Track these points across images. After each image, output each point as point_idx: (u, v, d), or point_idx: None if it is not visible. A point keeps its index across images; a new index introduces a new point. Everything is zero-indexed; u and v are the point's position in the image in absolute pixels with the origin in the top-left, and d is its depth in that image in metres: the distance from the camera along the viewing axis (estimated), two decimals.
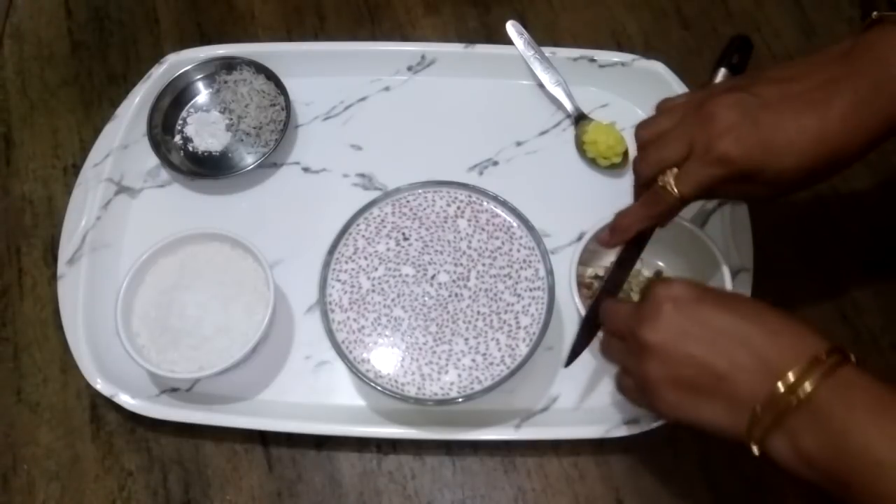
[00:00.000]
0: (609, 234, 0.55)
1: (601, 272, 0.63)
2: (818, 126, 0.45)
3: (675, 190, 0.49)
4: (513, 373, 0.56)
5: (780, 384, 0.39)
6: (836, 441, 0.38)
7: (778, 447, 0.40)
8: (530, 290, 0.58)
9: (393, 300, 0.58)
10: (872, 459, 0.37)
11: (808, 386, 0.39)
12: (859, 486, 0.37)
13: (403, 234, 0.60)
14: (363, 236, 0.60)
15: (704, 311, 0.44)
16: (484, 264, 0.59)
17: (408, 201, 0.61)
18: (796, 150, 0.46)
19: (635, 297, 0.62)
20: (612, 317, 0.50)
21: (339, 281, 0.59)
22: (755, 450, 0.41)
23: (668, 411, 0.44)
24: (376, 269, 0.59)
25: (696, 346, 0.43)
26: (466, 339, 0.57)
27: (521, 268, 0.58)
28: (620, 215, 0.54)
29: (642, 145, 0.52)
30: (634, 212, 0.53)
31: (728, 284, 0.57)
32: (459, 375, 0.56)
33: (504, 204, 0.60)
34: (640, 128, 0.53)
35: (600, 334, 0.54)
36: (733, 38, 0.57)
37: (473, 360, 0.56)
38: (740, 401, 0.41)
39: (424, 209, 0.61)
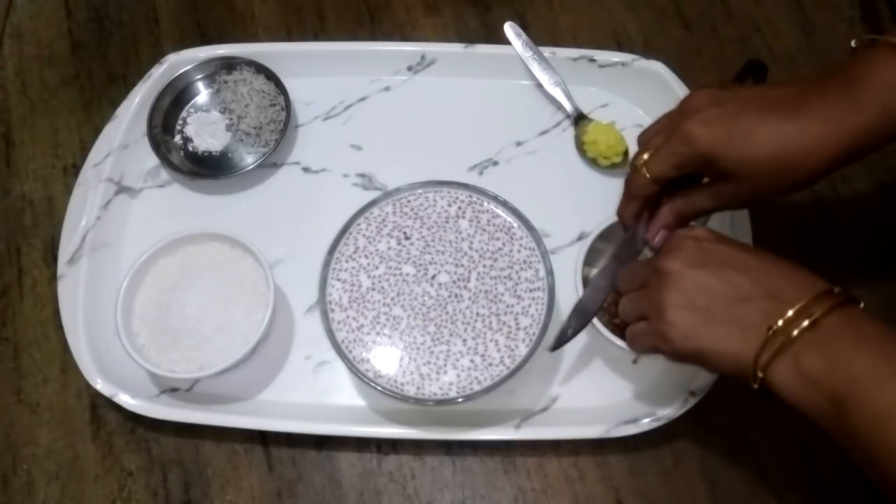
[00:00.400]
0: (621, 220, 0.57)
1: None
2: (780, 125, 0.47)
3: (645, 169, 0.51)
4: (512, 373, 0.56)
5: (790, 311, 0.42)
6: (839, 362, 0.41)
7: (782, 372, 0.42)
8: (530, 290, 0.58)
9: (392, 299, 0.58)
10: (873, 380, 0.39)
11: (816, 312, 0.42)
12: (856, 404, 0.39)
13: (405, 233, 0.60)
14: (364, 235, 0.60)
15: (723, 248, 0.48)
16: (485, 265, 0.59)
17: (409, 201, 0.61)
18: (757, 142, 0.47)
19: None
20: (631, 272, 0.52)
21: (338, 280, 0.59)
22: (758, 377, 0.43)
23: (681, 340, 0.46)
24: (377, 268, 0.59)
25: (713, 274, 0.46)
26: (465, 341, 0.57)
27: (522, 269, 0.58)
28: (619, 211, 0.57)
29: (639, 144, 0.54)
30: (622, 202, 0.56)
31: None
32: (458, 376, 0.56)
33: (504, 204, 0.60)
34: (642, 133, 0.55)
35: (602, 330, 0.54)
36: (749, 62, 0.58)
37: (472, 361, 0.56)
38: (752, 327, 0.43)
39: (426, 209, 0.61)
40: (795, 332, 0.42)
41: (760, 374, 0.43)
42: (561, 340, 0.56)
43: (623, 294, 0.53)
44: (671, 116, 0.52)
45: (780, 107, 0.47)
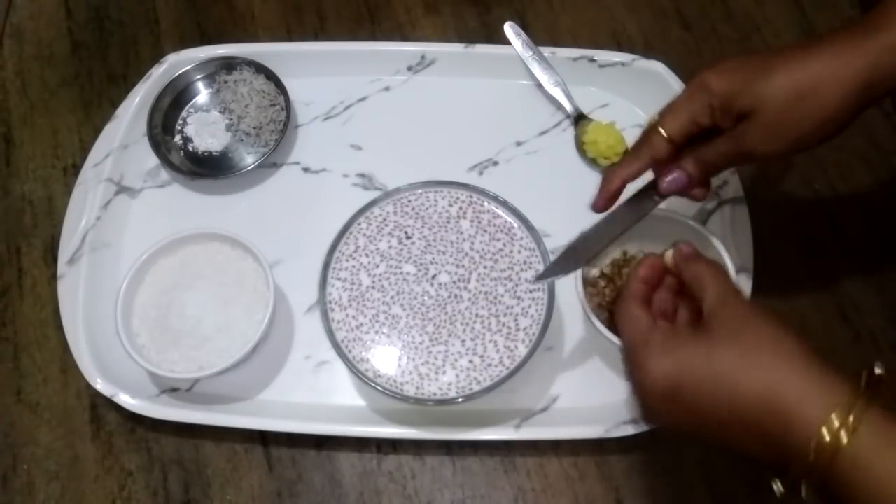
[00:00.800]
0: (598, 193, 0.54)
1: (607, 270, 0.63)
2: (793, 57, 0.47)
3: (660, 127, 0.50)
4: (512, 373, 0.56)
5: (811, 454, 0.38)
6: (877, 484, 0.37)
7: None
8: (530, 291, 0.58)
9: (392, 297, 0.58)
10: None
11: (842, 439, 0.37)
12: None
13: (406, 232, 0.60)
14: (364, 234, 0.60)
15: (685, 405, 0.42)
16: (485, 266, 0.59)
17: (409, 201, 0.61)
18: (771, 72, 0.47)
19: (606, 267, 0.63)
20: (628, 332, 0.47)
21: (338, 279, 0.59)
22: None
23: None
24: (377, 266, 0.59)
25: (695, 430, 0.43)
26: (463, 342, 0.57)
27: (522, 269, 0.58)
28: (609, 168, 0.54)
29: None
30: (622, 161, 0.53)
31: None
32: (457, 376, 0.56)
33: (504, 204, 0.60)
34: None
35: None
36: None
37: (471, 362, 0.56)
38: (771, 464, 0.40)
39: (427, 209, 0.61)
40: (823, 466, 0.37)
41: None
42: (546, 275, 0.55)
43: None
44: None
45: (794, 48, 0.48)
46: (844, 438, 0.37)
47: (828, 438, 0.37)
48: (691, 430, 0.43)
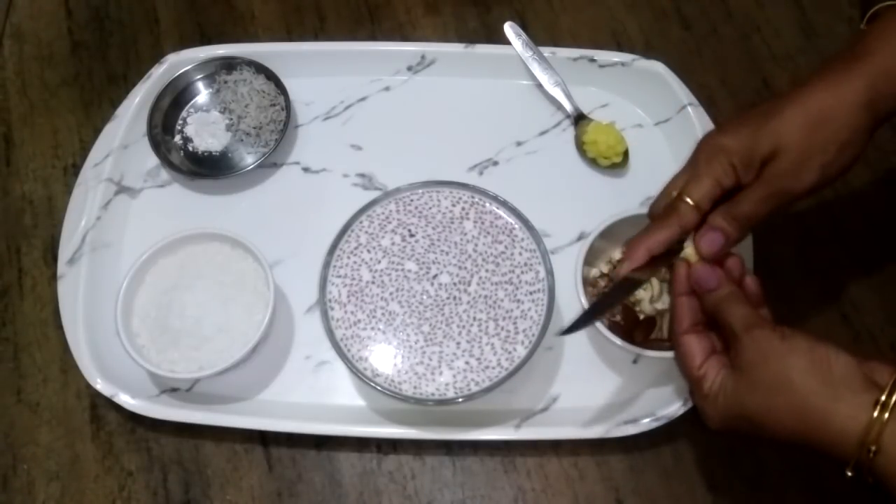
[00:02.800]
0: (623, 263, 0.52)
1: (606, 270, 0.63)
2: (797, 95, 0.49)
3: (686, 196, 0.50)
4: (510, 374, 0.56)
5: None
6: None
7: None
8: (530, 293, 0.58)
9: (391, 294, 0.58)
10: None
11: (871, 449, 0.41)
12: None
13: (409, 230, 0.60)
14: (366, 232, 0.60)
15: (744, 430, 0.46)
16: (487, 270, 0.58)
17: (412, 200, 0.61)
18: (783, 113, 0.48)
19: (606, 266, 0.63)
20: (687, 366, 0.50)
21: (339, 277, 0.59)
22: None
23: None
24: (379, 262, 0.59)
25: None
26: (458, 343, 0.57)
27: (523, 272, 0.58)
28: (631, 239, 0.52)
29: (655, 206, 0.54)
30: (646, 231, 0.51)
31: None
32: (455, 377, 0.56)
33: (504, 204, 0.60)
34: (660, 193, 0.54)
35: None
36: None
37: (468, 363, 0.56)
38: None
39: (430, 208, 0.61)
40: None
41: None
42: (574, 329, 0.53)
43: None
44: (689, 160, 0.52)
45: (790, 90, 0.49)
46: (873, 448, 0.41)
47: (860, 454, 0.41)
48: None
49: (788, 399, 0.43)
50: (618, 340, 0.56)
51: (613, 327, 0.58)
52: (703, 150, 0.50)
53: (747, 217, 0.49)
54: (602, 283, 0.62)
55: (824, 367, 0.43)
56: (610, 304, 0.55)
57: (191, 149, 0.72)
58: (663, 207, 0.51)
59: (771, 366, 0.44)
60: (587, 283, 0.61)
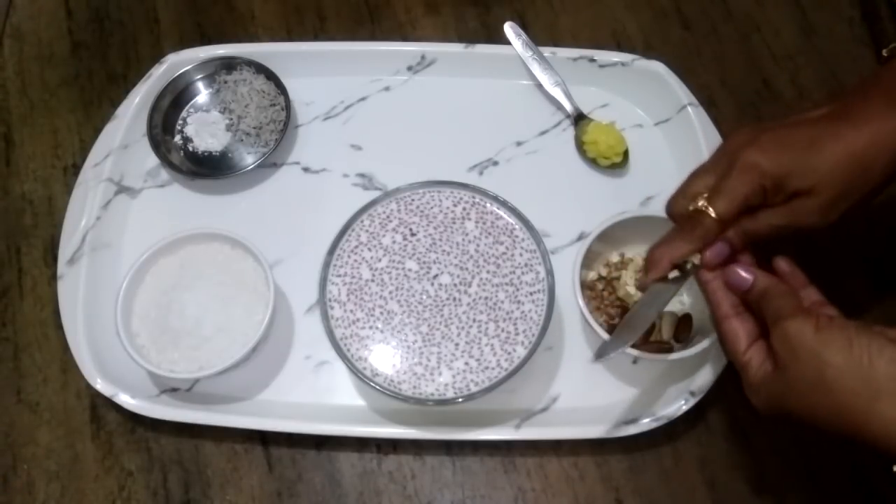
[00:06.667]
0: (644, 273, 0.51)
1: (604, 272, 0.63)
2: (838, 130, 0.47)
3: (710, 209, 0.48)
4: (510, 375, 0.56)
5: None
6: None
7: None
8: (531, 294, 0.58)
9: (391, 293, 0.58)
10: None
11: None
12: None
13: (411, 229, 0.60)
14: (367, 231, 0.60)
15: (790, 419, 0.44)
16: (489, 271, 0.58)
17: (412, 200, 0.61)
18: (823, 149, 0.46)
19: (603, 269, 0.63)
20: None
21: (339, 276, 0.58)
22: None
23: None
24: (380, 260, 0.59)
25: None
26: (457, 344, 0.56)
27: (523, 272, 0.58)
28: (654, 248, 0.51)
29: (674, 203, 0.52)
30: (669, 241, 0.51)
31: None
32: (454, 377, 0.56)
33: (505, 205, 0.60)
34: (680, 187, 0.52)
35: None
36: None
37: (467, 364, 0.56)
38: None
39: (431, 208, 0.61)
40: None
41: None
42: (602, 353, 0.52)
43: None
44: (717, 158, 0.50)
45: (831, 118, 0.47)
46: None
47: None
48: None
49: (826, 399, 0.41)
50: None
51: (613, 330, 0.58)
52: (738, 160, 0.47)
53: (760, 236, 0.49)
54: (600, 286, 0.62)
55: (864, 364, 0.40)
56: (644, 317, 0.52)
57: (191, 149, 0.72)
58: (687, 215, 0.50)
59: (803, 363, 0.42)
60: (584, 286, 0.61)
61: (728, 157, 0.48)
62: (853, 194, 0.47)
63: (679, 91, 0.69)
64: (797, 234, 0.49)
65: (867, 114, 0.47)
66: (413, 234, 0.60)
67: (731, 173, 0.47)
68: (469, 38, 0.76)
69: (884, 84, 0.48)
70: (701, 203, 0.48)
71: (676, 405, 0.58)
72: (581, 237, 0.67)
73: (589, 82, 0.73)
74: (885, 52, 0.50)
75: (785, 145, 0.47)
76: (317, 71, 0.74)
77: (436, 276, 0.58)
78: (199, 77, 0.73)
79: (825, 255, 0.67)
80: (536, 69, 0.72)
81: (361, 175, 0.71)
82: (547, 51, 0.73)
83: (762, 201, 0.48)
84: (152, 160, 0.71)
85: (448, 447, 0.61)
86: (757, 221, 0.49)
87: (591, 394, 0.62)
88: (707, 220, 0.48)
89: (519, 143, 0.72)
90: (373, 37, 0.78)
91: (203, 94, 0.74)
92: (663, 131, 0.71)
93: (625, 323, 0.53)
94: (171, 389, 0.63)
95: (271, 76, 0.72)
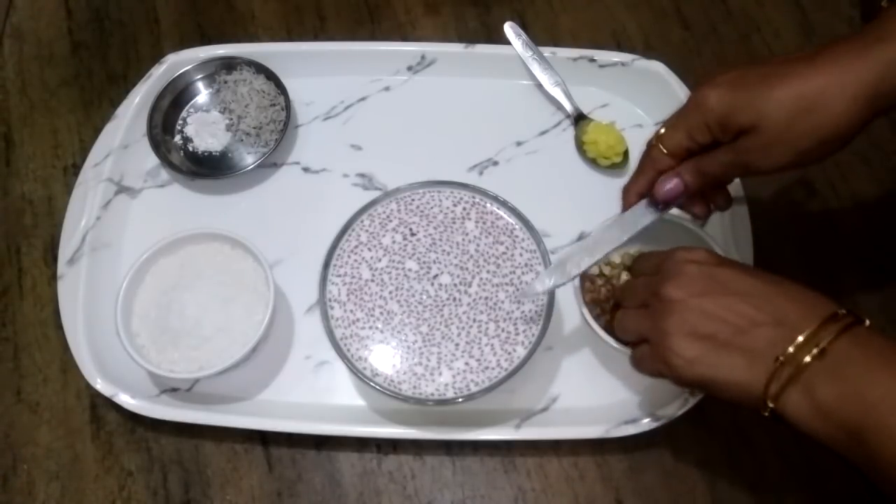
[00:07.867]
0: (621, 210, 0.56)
1: (606, 270, 0.63)
2: (796, 69, 0.46)
3: (660, 143, 0.51)
4: (510, 375, 0.56)
5: (799, 337, 0.41)
6: (852, 389, 0.39)
7: (794, 401, 0.41)
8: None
9: (390, 293, 0.58)
10: (889, 406, 0.38)
11: (825, 339, 0.41)
12: (873, 431, 0.38)
13: (411, 229, 0.60)
14: (367, 230, 0.60)
15: (726, 272, 0.46)
16: (489, 271, 0.58)
17: (412, 200, 0.61)
18: (773, 86, 0.46)
19: (606, 269, 0.63)
20: (631, 289, 0.52)
21: (339, 276, 0.59)
22: (769, 405, 0.42)
23: (686, 368, 0.45)
24: (380, 260, 0.59)
25: (717, 301, 0.45)
26: (457, 345, 0.56)
27: (524, 273, 0.58)
28: (624, 186, 0.56)
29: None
30: (634, 176, 0.55)
31: None
32: (454, 377, 0.56)
33: (505, 205, 0.60)
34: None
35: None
36: None
37: (467, 364, 0.56)
38: (759, 355, 0.42)
39: (431, 208, 0.61)
40: (805, 360, 0.41)
41: (771, 405, 0.42)
42: (529, 293, 0.56)
43: (621, 307, 0.53)
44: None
45: (792, 60, 0.47)
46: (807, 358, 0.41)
47: (801, 342, 0.41)
48: None
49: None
50: (614, 343, 0.56)
51: (609, 330, 0.58)
52: (692, 97, 0.49)
53: (712, 175, 0.51)
54: (600, 282, 0.62)
55: None
56: (609, 238, 0.55)
57: (191, 149, 0.72)
58: (644, 151, 0.54)
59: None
60: (584, 279, 0.61)
61: (690, 96, 0.51)
62: (800, 138, 0.46)
63: (679, 91, 0.69)
64: (750, 175, 0.50)
65: (834, 58, 0.46)
66: (413, 234, 0.60)
67: (685, 107, 0.50)
68: (469, 38, 0.76)
69: (866, 34, 0.46)
70: (652, 138, 0.52)
71: (676, 405, 0.58)
72: (581, 237, 0.67)
73: (589, 82, 0.73)
74: (883, 3, 0.50)
75: (737, 83, 0.48)
76: (317, 71, 0.74)
77: (436, 276, 0.58)
78: (199, 77, 0.73)
79: (825, 254, 0.67)
80: (536, 69, 0.72)
81: (361, 175, 0.71)
82: (547, 51, 0.73)
83: (710, 138, 0.49)
84: (152, 160, 0.71)
85: (448, 447, 0.61)
86: (710, 159, 0.50)
87: (591, 394, 0.62)
88: (656, 152, 0.52)
89: (519, 143, 0.72)
90: (373, 37, 0.78)
91: (203, 94, 0.74)
92: None
93: (568, 253, 0.55)
94: (171, 389, 0.63)
95: (271, 76, 0.72)
